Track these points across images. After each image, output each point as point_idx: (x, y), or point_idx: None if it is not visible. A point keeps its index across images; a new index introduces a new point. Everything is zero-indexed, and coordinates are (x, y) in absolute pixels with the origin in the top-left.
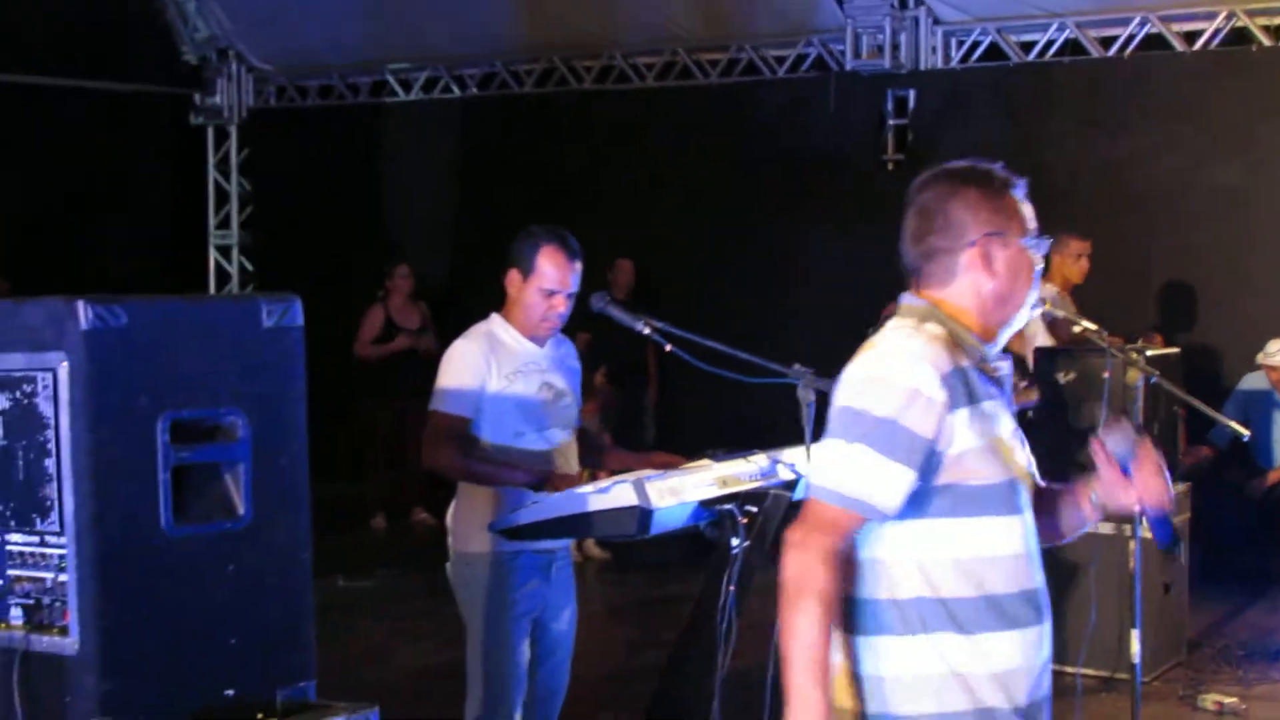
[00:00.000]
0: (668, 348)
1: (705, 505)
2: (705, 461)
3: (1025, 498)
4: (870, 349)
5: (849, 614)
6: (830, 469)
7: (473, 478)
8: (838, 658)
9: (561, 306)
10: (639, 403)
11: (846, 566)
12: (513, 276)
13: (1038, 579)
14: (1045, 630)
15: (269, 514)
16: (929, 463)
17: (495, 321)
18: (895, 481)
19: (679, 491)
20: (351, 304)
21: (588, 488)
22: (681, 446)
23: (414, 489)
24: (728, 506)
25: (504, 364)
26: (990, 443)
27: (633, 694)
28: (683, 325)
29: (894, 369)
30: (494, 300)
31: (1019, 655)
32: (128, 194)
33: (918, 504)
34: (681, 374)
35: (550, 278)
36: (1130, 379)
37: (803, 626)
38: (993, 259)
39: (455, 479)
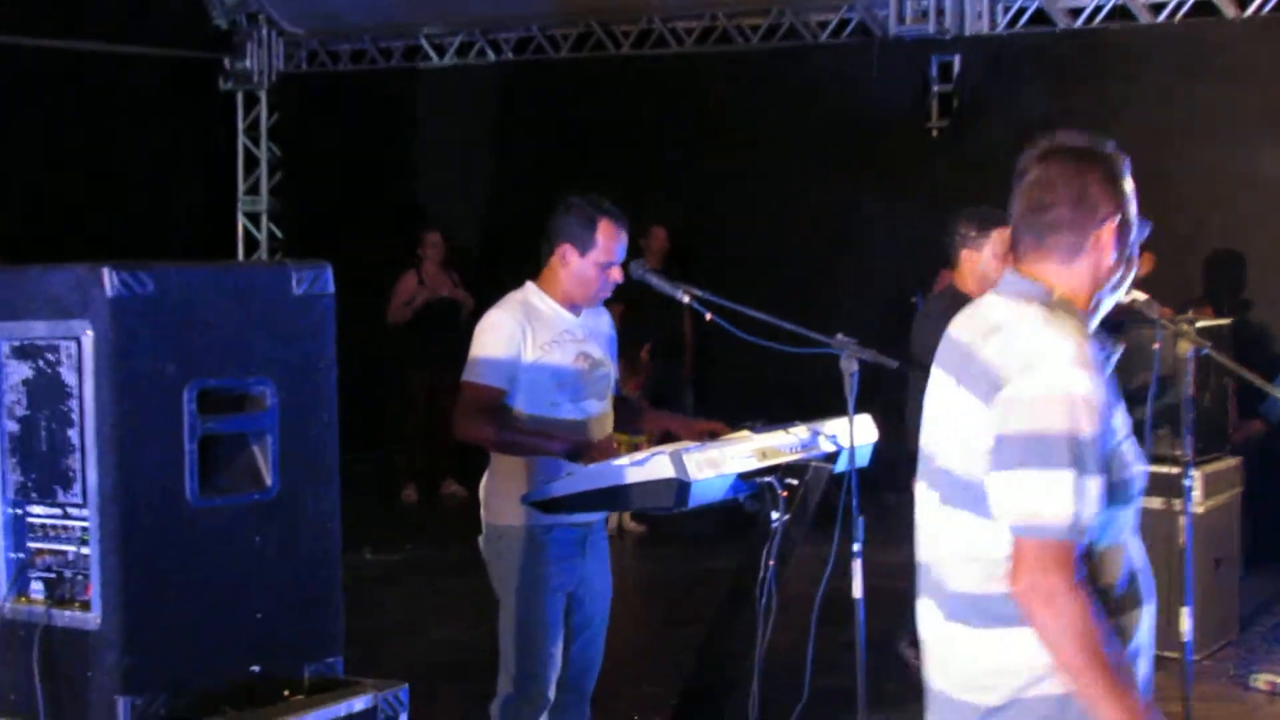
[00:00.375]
0: (708, 316)
1: (745, 478)
2: (745, 433)
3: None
4: (1018, 354)
5: (988, 608)
6: (1039, 502)
7: (507, 448)
8: (972, 651)
9: (619, 276)
10: (676, 375)
11: (993, 565)
12: (565, 252)
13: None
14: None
15: (297, 485)
16: (1104, 463)
17: (530, 290)
18: (1095, 493)
19: (718, 464)
20: (383, 272)
21: (624, 460)
22: (720, 419)
23: (445, 460)
24: (768, 479)
25: (540, 334)
26: (1128, 433)
27: (669, 670)
28: (721, 295)
29: (1060, 379)
30: (529, 269)
31: (1146, 632)
32: (156, 160)
33: None
34: (720, 344)
35: (607, 250)
36: (1180, 351)
37: (1098, 670)
38: (1115, 239)
39: (489, 450)
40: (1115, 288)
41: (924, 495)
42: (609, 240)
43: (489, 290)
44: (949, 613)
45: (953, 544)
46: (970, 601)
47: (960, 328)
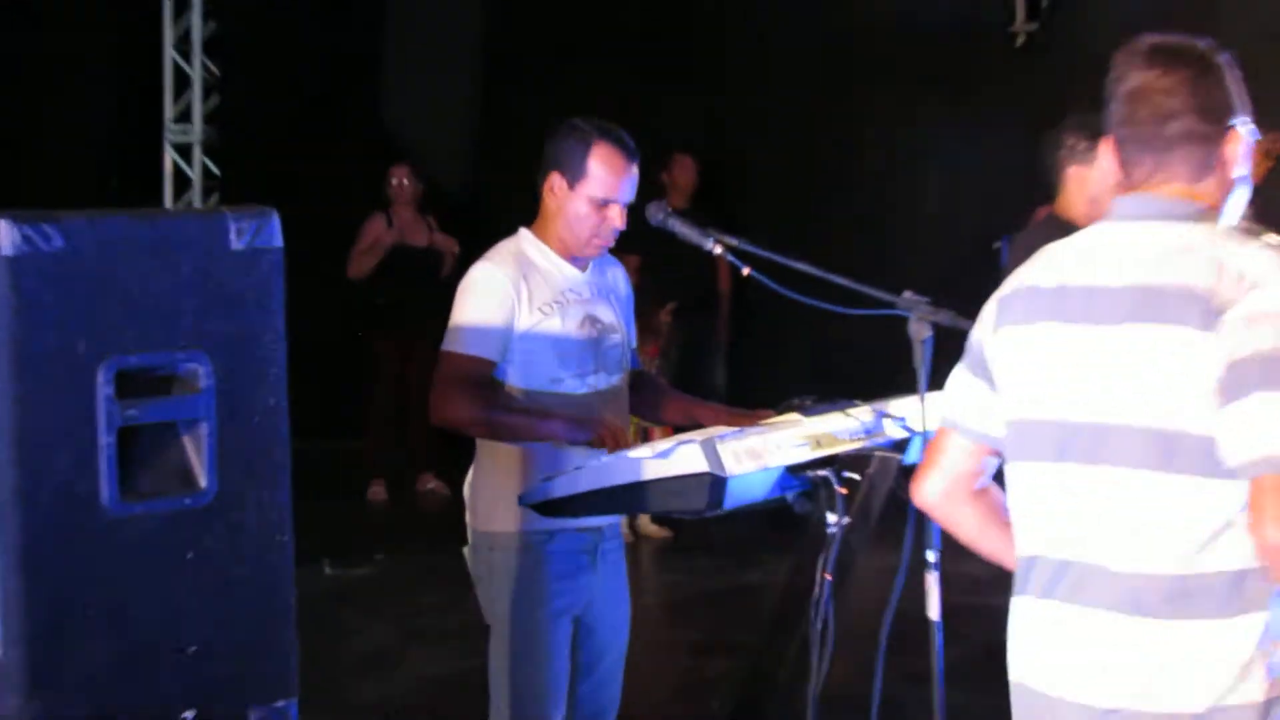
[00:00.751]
0: (745, 271)
1: (793, 472)
2: (793, 416)
3: None
4: (1236, 271)
5: (1190, 593)
6: None
7: (497, 432)
8: (1162, 650)
9: (617, 220)
10: (706, 342)
11: (1208, 534)
12: (554, 182)
13: None
14: None
15: (239, 486)
16: None
17: (525, 239)
18: None
19: (760, 454)
20: (345, 219)
21: (644, 449)
22: (762, 397)
23: (422, 450)
24: (822, 473)
25: (537, 292)
26: None
27: (701, 711)
28: (763, 243)
29: None
30: (523, 214)
31: None
32: (63, 80)
33: None
34: (761, 305)
35: (603, 183)
36: None
37: None
38: (1241, 152)
39: (475, 435)
40: (1239, 206)
41: (1070, 476)
42: (606, 170)
43: (474, 240)
44: (1127, 607)
45: (1141, 520)
46: (1164, 588)
47: (1099, 263)
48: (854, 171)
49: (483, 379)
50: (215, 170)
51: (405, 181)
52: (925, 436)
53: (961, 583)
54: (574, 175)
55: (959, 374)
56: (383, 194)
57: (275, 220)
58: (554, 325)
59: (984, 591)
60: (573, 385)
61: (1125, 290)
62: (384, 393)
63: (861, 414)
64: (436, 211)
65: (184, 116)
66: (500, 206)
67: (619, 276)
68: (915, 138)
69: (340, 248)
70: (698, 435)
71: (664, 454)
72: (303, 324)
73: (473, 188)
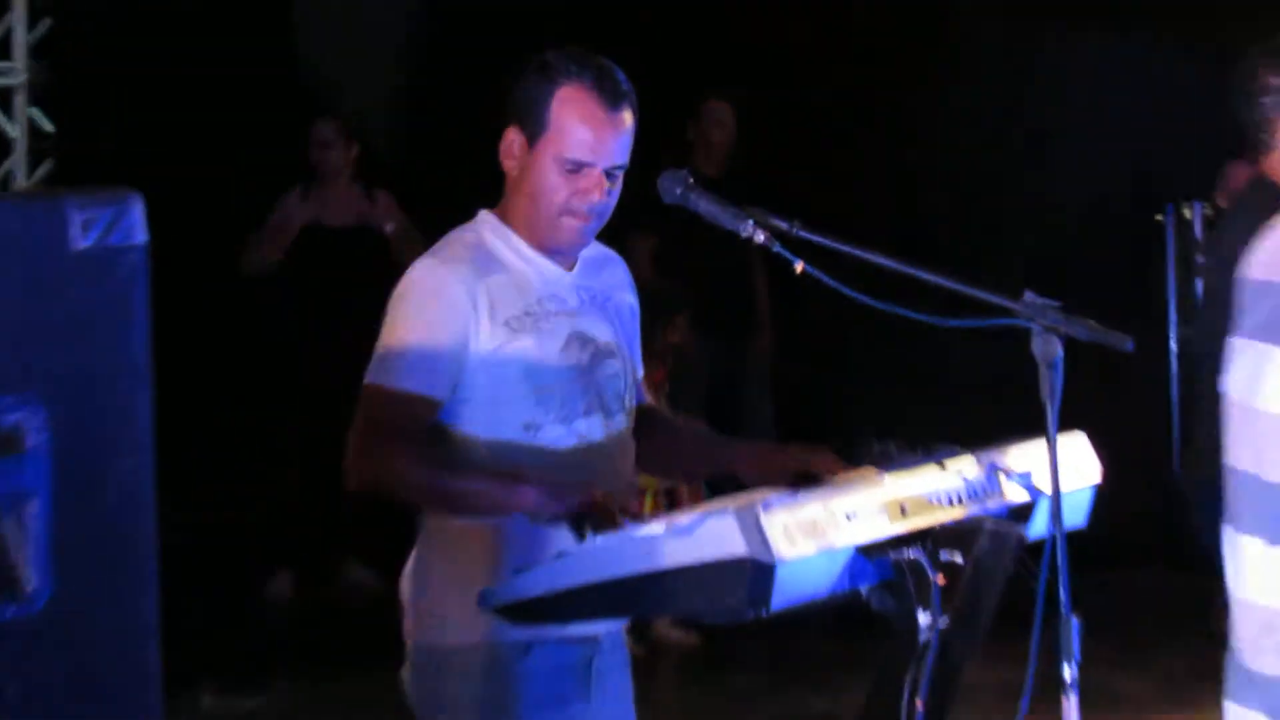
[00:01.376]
0: (798, 266)
1: (869, 553)
2: (868, 471)
3: None
4: None
5: None
6: None
7: (446, 502)
8: None
9: (596, 192)
10: (742, 363)
11: None
12: (511, 140)
13: None
14: None
15: (84, 588)
16: None
17: (487, 225)
18: None
19: (821, 529)
20: (244, 201)
21: (656, 525)
22: (822, 442)
23: (344, 526)
24: (910, 554)
25: (503, 301)
26: None
27: None
28: (823, 228)
29: None
30: (484, 193)
31: None
32: None
33: None
34: (821, 313)
35: (572, 138)
36: None
37: None
38: None
39: (415, 504)
40: None
41: None
42: (576, 119)
43: (421, 229)
44: None
45: None
46: None
47: None
48: (944, 126)
49: (425, 425)
50: (47, 126)
51: (330, 141)
52: (1057, 500)
53: (1107, 697)
54: (534, 128)
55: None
56: (301, 160)
57: (138, 207)
58: (527, 348)
59: (1143, 708)
60: (555, 434)
61: None
62: (292, 448)
63: (965, 468)
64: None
65: (1, 51)
66: (451, 188)
67: (620, 277)
68: (1026, 73)
69: (237, 242)
70: (733, 502)
71: (684, 530)
72: (177, 351)
73: (416, 162)
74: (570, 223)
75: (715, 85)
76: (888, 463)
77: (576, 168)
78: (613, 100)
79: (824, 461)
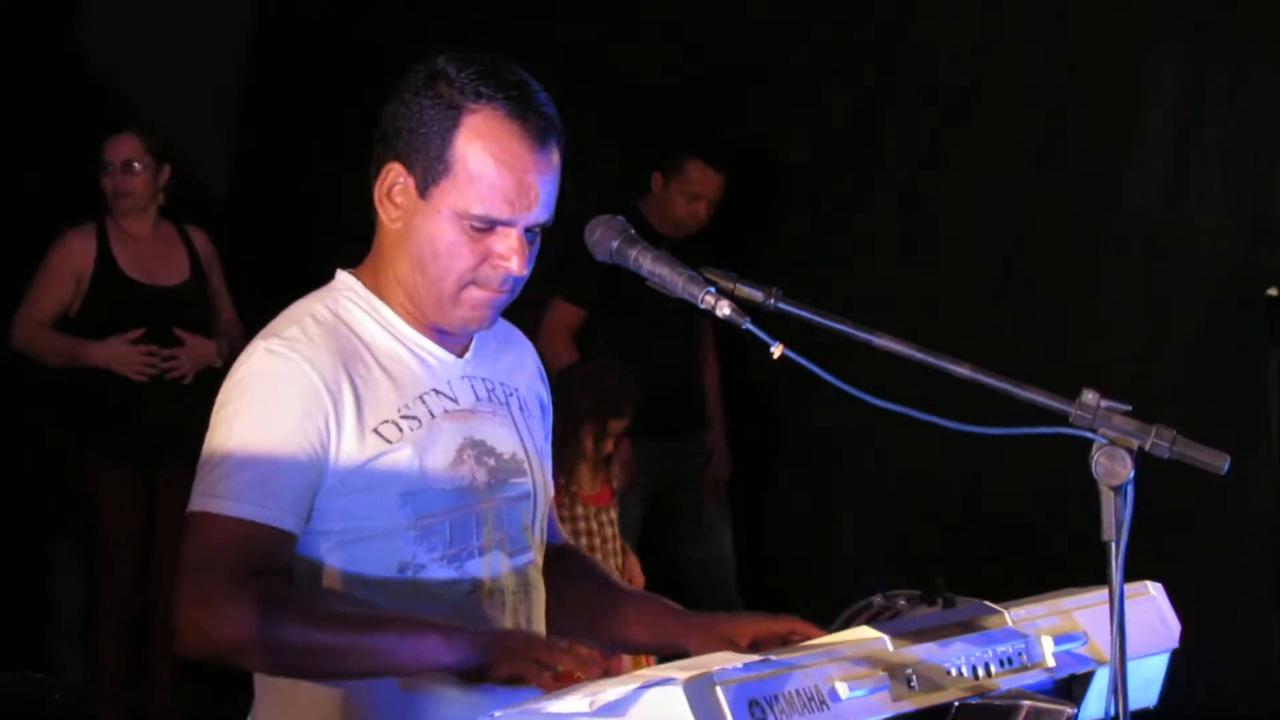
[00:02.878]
0: (776, 350)
1: None
2: (863, 630)
3: None
4: None
5: None
6: None
7: (311, 661)
8: None
9: (514, 259)
10: (689, 474)
11: None
12: (391, 181)
13: None
14: None
15: None
16: None
17: (347, 292)
18: None
19: (800, 707)
20: (14, 239)
21: (577, 699)
22: (805, 591)
23: (166, 682)
24: None
25: (371, 399)
26: None
27: None
28: (813, 303)
29: None
30: (343, 240)
31: None
32: None
33: None
34: (805, 417)
35: (488, 188)
36: None
37: None
38: None
39: (259, 669)
40: None
41: None
42: (488, 158)
43: (267, 290)
44: None
45: None
46: None
47: None
48: (981, 172)
49: (279, 564)
50: None
51: (136, 165)
52: (1122, 674)
53: None
54: (427, 169)
55: None
56: (90, 185)
57: None
58: (405, 463)
59: None
60: (440, 576)
61: None
62: (111, 575)
63: (995, 626)
64: (204, 223)
65: None
66: (295, 221)
67: (527, 363)
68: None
69: (12, 293)
70: (679, 669)
71: (616, 708)
72: None
73: (242, 183)
74: (475, 296)
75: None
76: (890, 617)
77: (488, 226)
78: (539, 134)
79: (797, 627)
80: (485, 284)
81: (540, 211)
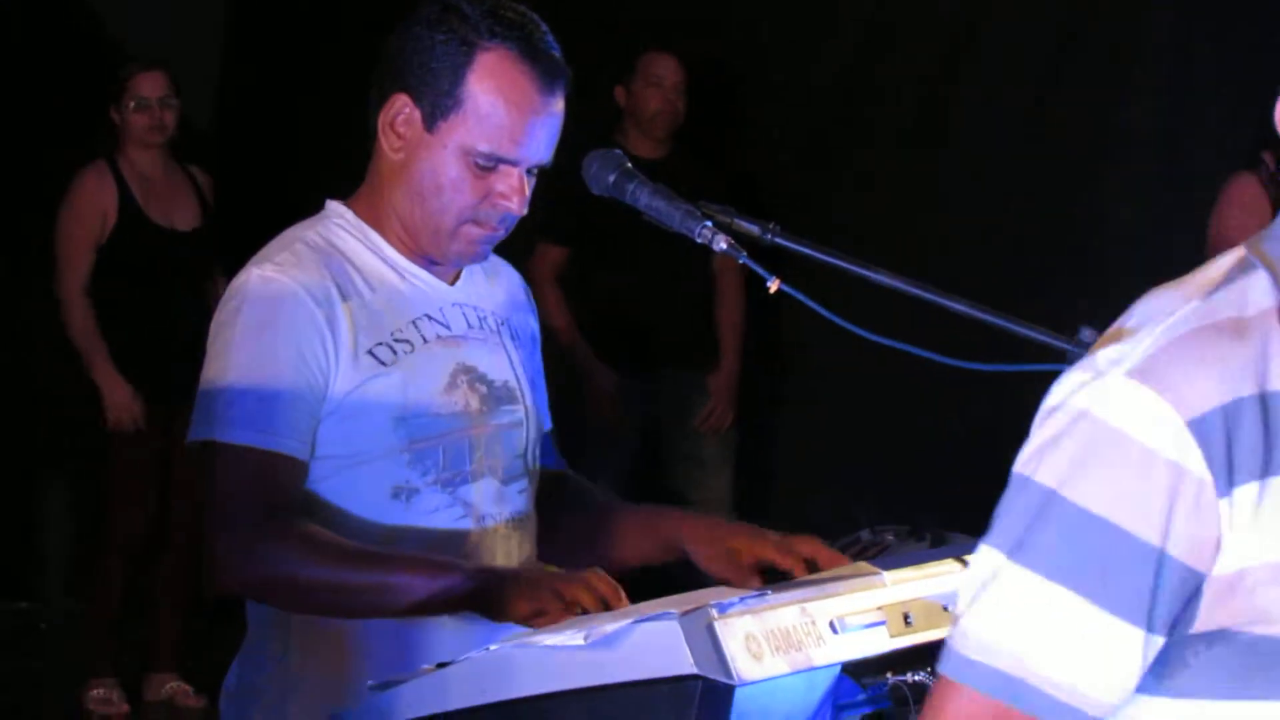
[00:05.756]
0: (773, 285)
1: (860, 675)
2: (861, 566)
3: None
4: None
5: None
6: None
7: (351, 598)
8: None
9: (514, 198)
10: (690, 411)
11: None
12: (397, 112)
13: None
14: None
15: None
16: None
17: (339, 221)
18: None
19: (797, 642)
20: (28, 178)
21: (571, 631)
22: (796, 517)
23: (169, 628)
24: (916, 677)
25: (364, 323)
26: None
27: None
28: (812, 237)
29: None
30: (338, 177)
31: None
32: None
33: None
34: (806, 353)
35: (492, 124)
36: None
37: None
38: None
39: (302, 605)
40: None
41: None
42: (498, 97)
43: (261, 222)
44: None
45: None
46: None
47: None
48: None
49: (299, 495)
50: None
51: (151, 99)
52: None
53: None
54: (437, 103)
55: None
56: (104, 124)
57: None
58: (398, 386)
59: None
60: (434, 502)
61: None
62: (126, 516)
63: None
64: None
65: None
66: (284, 155)
67: (517, 294)
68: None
69: (20, 240)
70: (675, 602)
71: (611, 640)
72: None
73: (230, 117)
74: (471, 233)
75: (659, 35)
76: (885, 552)
77: (492, 165)
78: (548, 77)
79: (810, 552)
80: (484, 221)
81: (543, 152)
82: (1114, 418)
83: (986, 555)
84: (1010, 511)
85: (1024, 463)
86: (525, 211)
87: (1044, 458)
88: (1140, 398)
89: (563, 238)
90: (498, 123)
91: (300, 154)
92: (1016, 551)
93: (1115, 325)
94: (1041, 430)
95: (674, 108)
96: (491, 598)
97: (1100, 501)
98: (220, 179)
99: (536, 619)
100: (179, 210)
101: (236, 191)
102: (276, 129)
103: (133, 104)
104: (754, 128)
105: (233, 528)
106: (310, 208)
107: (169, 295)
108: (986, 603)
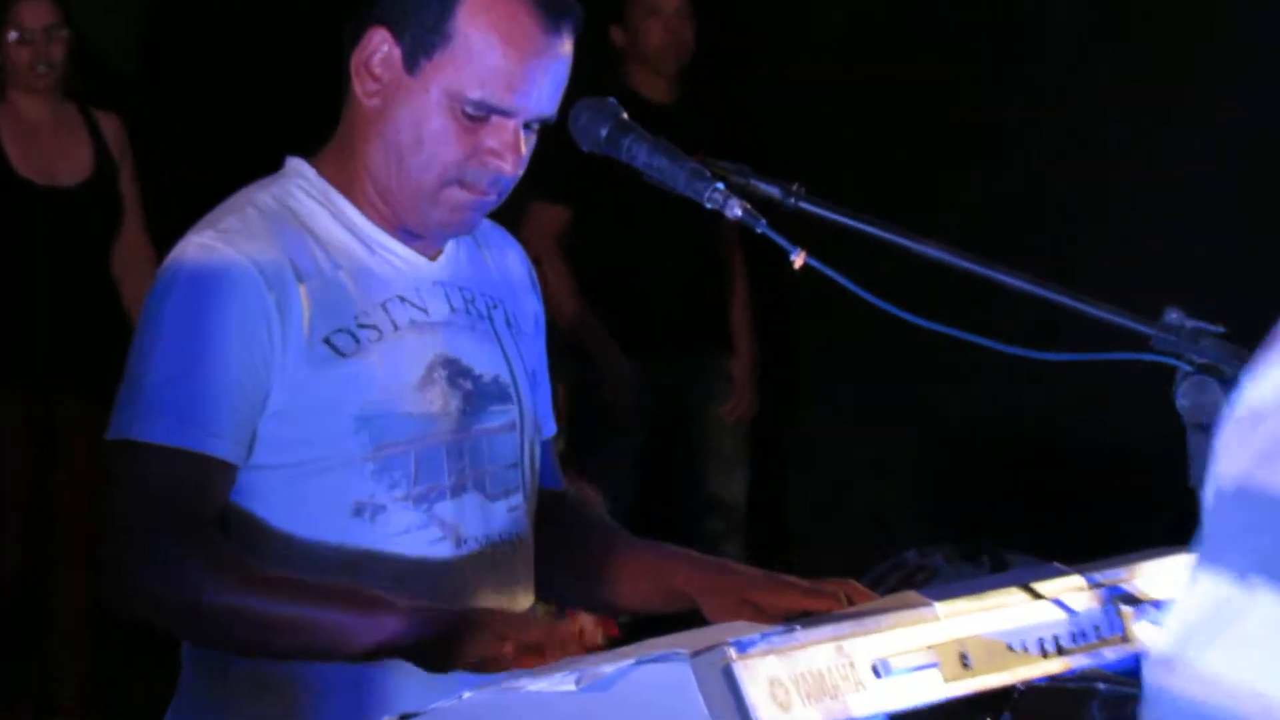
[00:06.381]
0: (798, 259)
1: None
2: (908, 596)
3: None
4: None
5: None
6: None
7: (264, 636)
8: None
9: (508, 155)
10: (703, 403)
11: None
12: (372, 49)
13: None
14: None
15: None
16: None
17: (299, 180)
18: None
19: (832, 688)
20: None
21: (564, 674)
22: (833, 546)
23: (68, 662)
24: None
25: (323, 304)
26: None
27: None
28: (843, 202)
29: None
30: (289, 130)
31: None
32: None
33: None
34: (837, 336)
35: (490, 70)
36: None
37: None
38: None
39: (207, 638)
40: None
41: None
42: (493, 35)
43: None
44: None
45: None
46: None
47: None
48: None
49: (220, 505)
50: None
51: (40, 33)
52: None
53: None
54: (421, 40)
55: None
56: None
57: None
58: (361, 379)
59: None
60: (404, 522)
61: None
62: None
63: (1067, 593)
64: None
65: None
66: (233, 103)
67: (515, 268)
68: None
69: None
70: (686, 639)
71: (608, 683)
72: None
73: (164, 58)
74: (456, 197)
75: None
76: (936, 582)
77: (483, 115)
78: (553, 12)
79: (841, 597)
80: (471, 183)
81: (546, 104)
82: None
83: (1210, 586)
84: (1243, 533)
85: (1247, 474)
86: (520, 172)
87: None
88: None
89: (563, 195)
90: (492, 64)
91: (253, 100)
92: (1264, 571)
93: None
94: (1259, 434)
95: (680, 39)
96: (424, 643)
97: None
98: (147, 129)
99: (484, 669)
100: (64, 161)
101: (168, 145)
102: (221, 66)
103: (13, 36)
104: (773, 65)
105: (141, 538)
106: (266, 165)
107: (50, 267)
108: (1224, 644)
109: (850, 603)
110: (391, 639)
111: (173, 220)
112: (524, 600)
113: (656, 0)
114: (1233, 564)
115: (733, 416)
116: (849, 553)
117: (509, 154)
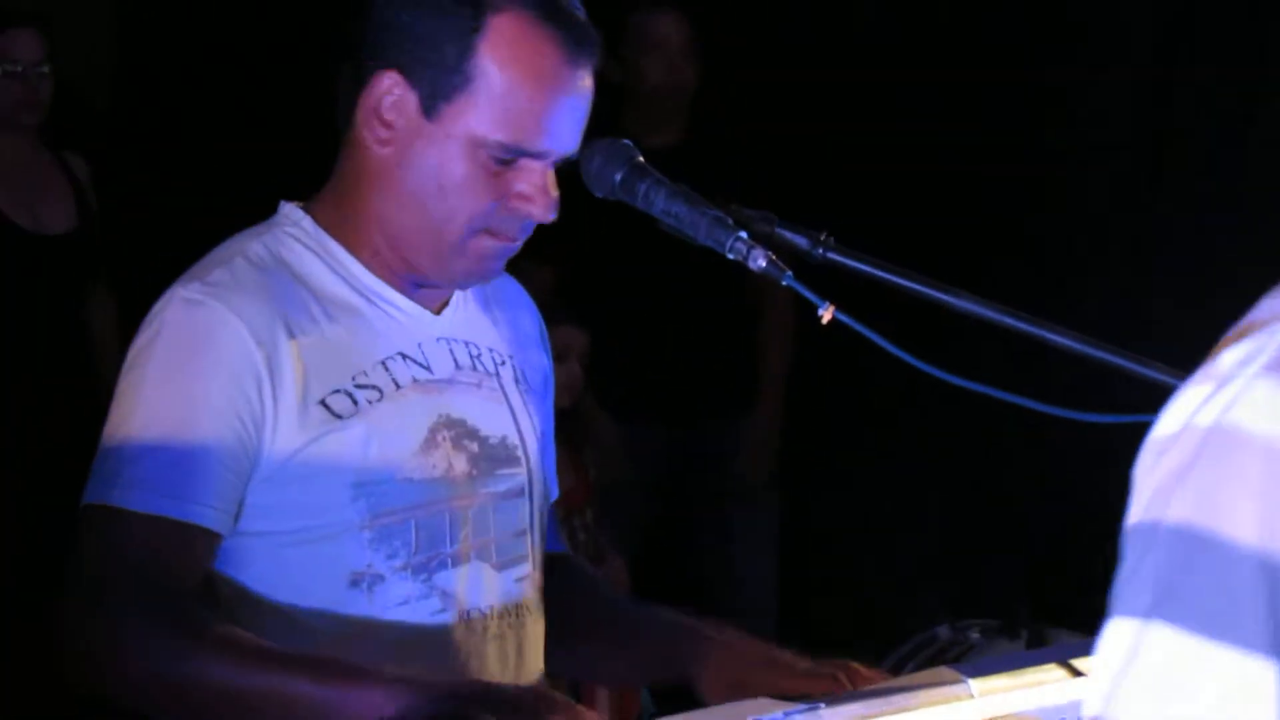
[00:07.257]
0: (826, 313)
1: None
2: (941, 673)
3: None
4: None
5: None
6: None
7: (243, 712)
8: None
9: (539, 200)
10: (715, 474)
11: None
12: (384, 93)
13: None
14: None
15: None
16: None
17: (294, 229)
18: None
19: None
20: None
21: None
22: (858, 599)
23: None
24: None
25: (318, 364)
26: None
27: None
28: (873, 251)
29: None
30: (296, 173)
31: None
32: None
33: None
34: (871, 397)
35: (519, 110)
36: None
37: None
38: None
39: (175, 712)
40: None
41: None
42: (520, 72)
43: (183, 240)
44: None
45: None
46: None
47: None
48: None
49: (199, 576)
50: None
51: (45, 67)
52: None
53: None
54: (440, 82)
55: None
56: None
57: None
58: (358, 444)
59: None
60: (403, 592)
61: None
62: None
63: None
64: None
65: None
66: (224, 145)
67: (524, 321)
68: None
69: None
70: (706, 716)
71: None
72: None
73: (141, 95)
74: (484, 246)
75: None
76: (973, 657)
77: (510, 158)
78: (576, 45)
79: (841, 679)
80: (500, 231)
81: (571, 142)
82: (1254, 423)
83: (1118, 631)
84: (1138, 570)
85: (1144, 510)
86: (552, 216)
87: (1172, 495)
88: None
89: (551, 255)
90: (518, 105)
91: (235, 143)
92: (1156, 610)
93: (1236, 327)
94: (1158, 468)
95: (681, 76)
96: (412, 717)
97: (1250, 529)
98: (114, 172)
99: None
100: (49, 209)
101: (137, 189)
102: (198, 106)
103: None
104: (783, 97)
105: (117, 608)
106: (253, 212)
107: (36, 315)
108: (1129, 686)
109: (851, 685)
110: (377, 713)
111: (138, 267)
112: (532, 673)
113: (654, 37)
114: (1136, 606)
115: (742, 480)
116: (877, 627)
117: (540, 197)
